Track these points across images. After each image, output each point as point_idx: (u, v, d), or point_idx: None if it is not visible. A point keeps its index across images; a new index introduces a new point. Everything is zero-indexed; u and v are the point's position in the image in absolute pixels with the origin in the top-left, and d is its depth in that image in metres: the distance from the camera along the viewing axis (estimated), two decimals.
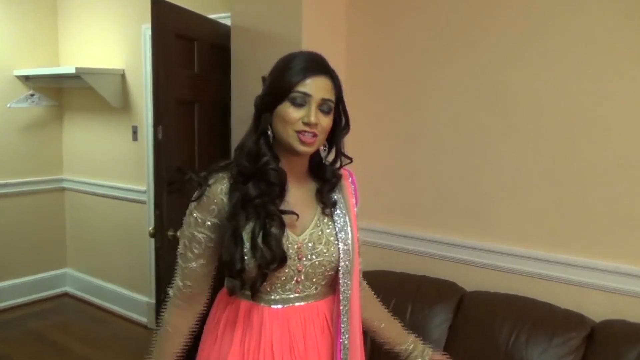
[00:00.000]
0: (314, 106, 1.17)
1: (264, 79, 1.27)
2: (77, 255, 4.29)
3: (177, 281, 1.28)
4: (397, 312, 2.10)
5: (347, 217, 1.29)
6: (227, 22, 2.50)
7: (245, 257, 1.18)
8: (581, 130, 1.92)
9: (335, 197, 1.31)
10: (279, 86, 1.19)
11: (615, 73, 1.84)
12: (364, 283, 1.46)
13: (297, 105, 1.17)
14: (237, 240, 1.18)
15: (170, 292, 1.30)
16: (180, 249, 1.28)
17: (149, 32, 3.00)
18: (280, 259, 1.18)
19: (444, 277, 2.19)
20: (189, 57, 2.34)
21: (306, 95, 1.17)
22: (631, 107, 1.82)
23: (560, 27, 1.94)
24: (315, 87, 1.17)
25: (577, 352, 1.76)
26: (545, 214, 2.02)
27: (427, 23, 2.26)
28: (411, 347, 1.46)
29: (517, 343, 1.82)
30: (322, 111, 1.19)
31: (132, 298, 3.85)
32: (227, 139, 2.47)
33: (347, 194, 1.33)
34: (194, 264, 1.25)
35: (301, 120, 1.17)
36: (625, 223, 1.86)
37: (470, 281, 2.15)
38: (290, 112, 1.17)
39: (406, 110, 2.35)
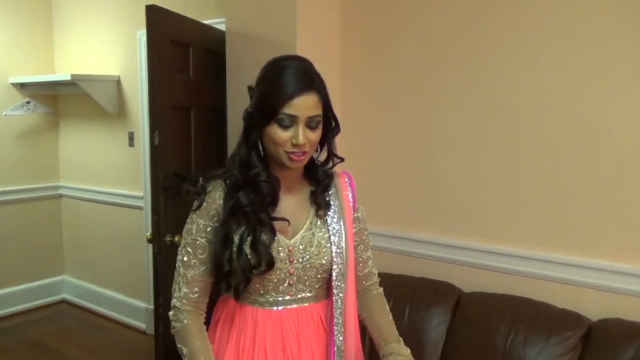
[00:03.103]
0: (301, 126, 1.18)
1: (250, 88, 1.28)
2: (74, 262, 4.28)
3: (184, 290, 1.28)
4: (395, 313, 2.10)
5: (341, 221, 1.30)
6: (222, 27, 2.51)
7: (233, 261, 1.21)
8: (577, 131, 1.93)
9: (330, 199, 1.32)
10: (266, 106, 1.19)
11: (611, 76, 1.85)
12: (376, 286, 1.46)
13: (285, 127, 1.18)
14: (227, 244, 1.22)
15: (177, 303, 1.28)
16: (184, 258, 1.28)
17: (144, 38, 3.01)
18: (268, 263, 1.20)
19: (442, 279, 2.20)
20: (184, 63, 2.35)
21: (293, 117, 1.17)
22: (628, 109, 1.83)
23: (557, 30, 1.95)
24: (302, 106, 1.17)
25: (574, 351, 1.77)
26: (541, 215, 2.03)
27: (423, 24, 2.27)
28: (388, 353, 1.31)
29: (514, 343, 1.83)
30: (310, 127, 1.20)
31: (130, 304, 3.84)
32: (223, 143, 2.48)
33: (343, 196, 1.34)
34: (200, 269, 1.27)
35: (290, 142, 1.18)
36: (620, 222, 1.87)
37: (468, 282, 2.16)
38: (279, 133, 1.18)
39: (403, 112, 2.36)
